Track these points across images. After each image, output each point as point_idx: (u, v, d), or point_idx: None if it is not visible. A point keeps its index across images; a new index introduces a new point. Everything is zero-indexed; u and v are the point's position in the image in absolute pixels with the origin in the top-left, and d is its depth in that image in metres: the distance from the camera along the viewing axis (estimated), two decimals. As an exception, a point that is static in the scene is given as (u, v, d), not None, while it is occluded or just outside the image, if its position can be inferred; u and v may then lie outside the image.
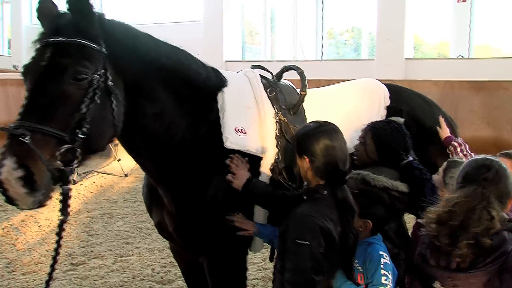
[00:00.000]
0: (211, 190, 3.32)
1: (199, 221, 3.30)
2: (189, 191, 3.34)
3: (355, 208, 3.00)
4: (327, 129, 3.06)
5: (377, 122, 3.79)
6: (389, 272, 3.08)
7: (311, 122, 3.20)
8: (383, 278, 3.03)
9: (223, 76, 3.56)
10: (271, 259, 3.56)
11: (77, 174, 10.44)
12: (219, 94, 3.45)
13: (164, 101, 3.20)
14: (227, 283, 3.50)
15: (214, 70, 3.58)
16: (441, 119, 4.14)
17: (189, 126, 3.31)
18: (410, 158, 3.65)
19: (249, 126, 3.41)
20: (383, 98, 4.09)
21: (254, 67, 3.90)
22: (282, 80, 3.91)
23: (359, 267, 3.12)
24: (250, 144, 3.37)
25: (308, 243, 2.82)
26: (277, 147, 3.47)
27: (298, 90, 3.79)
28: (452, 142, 4.06)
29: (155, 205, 3.60)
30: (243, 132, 3.37)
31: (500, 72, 10.58)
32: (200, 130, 3.35)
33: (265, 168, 3.41)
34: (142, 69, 3.08)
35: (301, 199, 3.06)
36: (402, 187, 3.34)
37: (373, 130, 3.67)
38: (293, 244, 2.86)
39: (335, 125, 3.12)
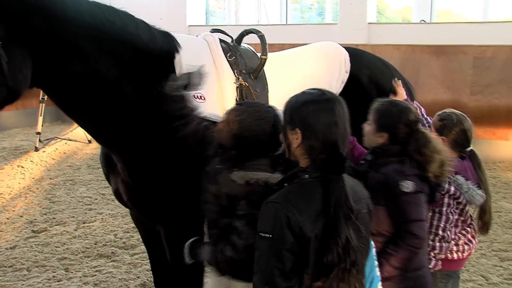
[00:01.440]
0: (165, 157, 3.21)
1: (152, 190, 3.22)
2: (141, 158, 3.23)
3: (351, 207, 2.34)
4: (330, 99, 2.47)
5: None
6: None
7: (312, 89, 2.59)
8: (377, 269, 2.77)
9: (175, 41, 3.40)
10: None
11: (40, 141, 10.26)
12: (177, 60, 3.31)
13: (95, 63, 2.99)
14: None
15: (166, 35, 3.40)
16: (398, 82, 4.11)
17: (136, 90, 3.13)
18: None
19: (208, 92, 3.31)
20: (344, 61, 4.04)
21: (214, 31, 3.79)
22: (242, 44, 3.82)
23: None
24: (209, 110, 3.25)
25: (269, 235, 2.35)
26: None
27: (259, 54, 3.71)
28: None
29: (111, 172, 3.50)
30: (202, 98, 3.27)
31: (460, 37, 10.62)
32: (153, 95, 3.18)
33: None
34: (66, 29, 2.87)
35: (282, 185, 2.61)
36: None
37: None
38: (257, 237, 2.41)
39: (338, 96, 2.56)
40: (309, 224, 2.31)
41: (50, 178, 8.59)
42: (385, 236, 2.98)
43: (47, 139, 10.61)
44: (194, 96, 3.22)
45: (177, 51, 3.34)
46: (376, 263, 2.77)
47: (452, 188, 3.43)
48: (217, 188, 2.81)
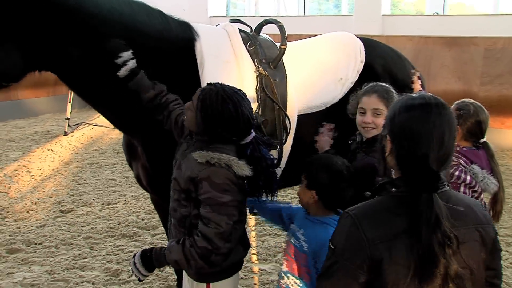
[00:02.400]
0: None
1: (169, 175, 3.19)
2: (157, 143, 3.19)
3: (445, 231, 1.85)
4: (427, 105, 2.02)
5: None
6: None
7: (416, 94, 2.27)
8: None
9: (192, 29, 3.34)
10: None
11: (69, 126, 10.30)
12: (198, 49, 3.26)
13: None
14: None
15: (183, 24, 3.35)
16: (415, 74, 4.04)
17: (150, 76, 3.04)
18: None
19: (229, 81, 3.22)
20: (359, 52, 3.95)
21: (233, 21, 3.73)
22: (261, 34, 3.75)
23: (306, 246, 2.67)
24: None
25: (333, 247, 2.05)
26: (257, 101, 3.34)
27: (278, 44, 3.64)
28: None
29: (133, 158, 3.47)
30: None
31: (472, 29, 10.49)
32: (171, 82, 3.11)
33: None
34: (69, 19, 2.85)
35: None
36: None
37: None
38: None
39: (444, 103, 2.07)
40: (383, 244, 1.91)
41: (78, 161, 8.63)
42: None
43: (75, 124, 10.65)
44: None
45: (195, 39, 3.28)
46: None
47: (468, 178, 3.37)
48: (179, 173, 2.70)
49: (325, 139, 3.38)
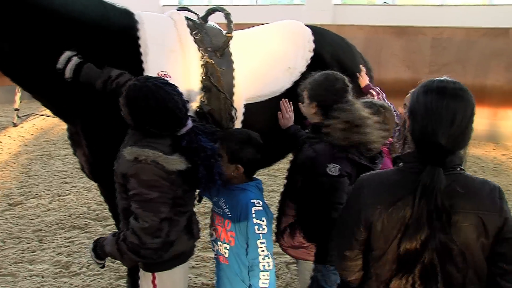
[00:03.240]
0: (117, 130, 2.99)
1: (108, 163, 3.11)
2: (98, 131, 3.12)
3: (438, 206, 1.95)
4: (444, 87, 2.06)
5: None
6: (263, 219, 2.79)
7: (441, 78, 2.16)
8: (255, 227, 2.75)
9: (133, 17, 3.25)
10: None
11: (18, 117, 10.02)
12: (142, 37, 3.17)
13: (31, 37, 2.86)
14: None
15: (124, 12, 3.26)
16: (362, 68, 4.04)
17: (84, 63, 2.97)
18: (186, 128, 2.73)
19: (174, 70, 3.17)
20: (308, 41, 3.92)
21: (180, 9, 3.64)
22: (209, 23, 3.67)
23: (228, 212, 2.89)
24: None
25: (340, 205, 2.50)
26: (202, 90, 3.27)
27: (225, 32, 3.56)
28: (371, 90, 4.00)
29: (77, 147, 3.38)
30: (167, 76, 3.12)
31: (420, 18, 10.62)
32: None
33: (190, 111, 3.20)
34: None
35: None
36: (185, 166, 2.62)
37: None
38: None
39: (462, 86, 2.09)
40: (380, 209, 2.06)
41: (27, 153, 8.38)
42: None
43: (25, 115, 10.35)
44: (159, 74, 3.09)
45: (138, 28, 3.19)
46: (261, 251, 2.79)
47: None
48: (117, 166, 2.66)
49: (287, 117, 3.36)
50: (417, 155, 2.08)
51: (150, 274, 2.80)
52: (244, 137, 2.91)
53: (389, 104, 3.84)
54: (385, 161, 3.16)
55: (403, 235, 2.01)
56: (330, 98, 2.93)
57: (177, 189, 2.60)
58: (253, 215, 2.78)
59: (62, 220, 5.79)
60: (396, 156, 2.24)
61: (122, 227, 2.75)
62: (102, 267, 2.84)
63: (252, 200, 2.82)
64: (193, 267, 4.81)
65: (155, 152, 2.48)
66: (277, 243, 3.26)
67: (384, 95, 3.98)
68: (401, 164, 2.16)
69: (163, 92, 2.53)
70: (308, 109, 3.03)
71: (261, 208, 2.82)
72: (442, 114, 2.00)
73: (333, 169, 2.82)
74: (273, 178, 6.75)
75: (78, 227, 5.61)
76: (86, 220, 5.79)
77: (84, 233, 5.48)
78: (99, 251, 2.69)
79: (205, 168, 2.64)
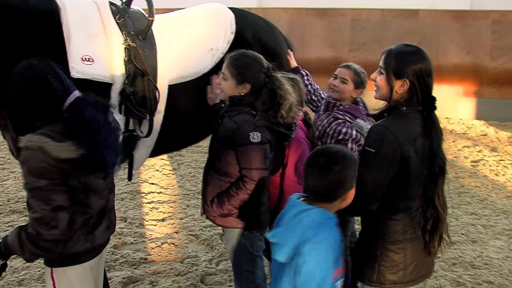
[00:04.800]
0: None
1: None
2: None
3: (442, 133, 2.60)
4: (428, 57, 2.58)
5: None
6: None
7: (409, 45, 2.63)
8: None
9: (55, 3, 3.12)
10: None
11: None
12: (64, 22, 3.07)
13: None
14: None
15: None
16: (290, 52, 4.12)
17: (14, 53, 2.85)
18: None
19: (97, 54, 3.10)
20: (229, 23, 3.88)
21: (104, -6, 3.55)
22: (132, 7, 3.59)
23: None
24: (97, 72, 3.07)
25: (373, 150, 2.50)
26: (126, 72, 3.20)
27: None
28: (300, 71, 4.07)
29: (4, 131, 3.27)
30: (91, 60, 3.06)
31: (339, 1, 10.75)
32: (32, 54, 2.93)
33: (115, 93, 3.16)
34: None
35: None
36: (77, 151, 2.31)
37: None
38: (363, 153, 2.61)
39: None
40: (409, 145, 2.47)
41: (-36, 141, 8.03)
42: (231, 177, 3.01)
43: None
44: (82, 58, 3.02)
45: (59, 12, 3.09)
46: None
47: (354, 132, 3.49)
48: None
49: (216, 92, 3.35)
50: (413, 102, 2.55)
51: (49, 269, 2.53)
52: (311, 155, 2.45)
53: (316, 86, 4.03)
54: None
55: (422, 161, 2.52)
56: (262, 78, 2.99)
57: (72, 179, 2.33)
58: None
59: (1, 205, 5.63)
60: (399, 103, 2.58)
61: None
62: (1, 268, 2.51)
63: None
64: (131, 243, 4.79)
65: (41, 138, 2.25)
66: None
67: (310, 77, 4.05)
68: (404, 108, 2.56)
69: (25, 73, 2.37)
70: (238, 89, 3.02)
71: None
72: (433, 74, 2.59)
73: (255, 136, 2.89)
74: (207, 155, 6.70)
75: (17, 211, 5.49)
76: (25, 204, 5.52)
77: (23, 216, 5.35)
78: (2, 247, 2.40)
79: (90, 144, 2.31)
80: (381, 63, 2.68)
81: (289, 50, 4.12)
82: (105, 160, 2.37)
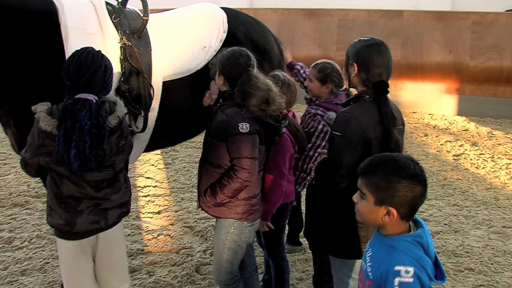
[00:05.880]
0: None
1: None
2: (26, 112, 2.92)
3: (395, 116, 2.71)
4: (380, 44, 2.74)
5: None
6: None
7: (366, 37, 2.82)
8: None
9: (51, 3, 3.11)
10: None
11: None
12: (62, 22, 3.05)
13: None
14: None
15: None
16: (287, 49, 4.20)
17: (13, 53, 2.90)
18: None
19: None
20: (222, 22, 3.88)
21: (101, -6, 3.52)
22: (128, 7, 3.56)
23: (370, 271, 2.08)
24: None
25: (339, 133, 2.65)
26: (121, 70, 3.19)
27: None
28: (295, 66, 4.09)
29: (6, 127, 3.25)
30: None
31: (327, 2, 10.77)
32: (35, 56, 2.96)
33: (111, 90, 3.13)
34: None
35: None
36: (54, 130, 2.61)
37: None
38: (330, 136, 2.77)
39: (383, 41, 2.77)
40: (370, 129, 2.60)
41: (-34, 138, 7.96)
42: (224, 168, 2.99)
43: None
44: None
45: (57, 13, 3.06)
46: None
47: (320, 127, 3.53)
48: None
49: (213, 98, 3.32)
50: (370, 91, 2.68)
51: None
52: (392, 167, 2.03)
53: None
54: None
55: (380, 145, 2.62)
56: (235, 72, 2.97)
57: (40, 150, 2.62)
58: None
59: (3, 198, 5.58)
60: (361, 93, 2.72)
61: None
62: None
63: (397, 268, 1.92)
64: (129, 234, 4.76)
65: (41, 108, 2.58)
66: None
67: (307, 69, 4.06)
68: (367, 97, 2.68)
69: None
70: (218, 80, 3.07)
71: (410, 279, 1.91)
72: (385, 63, 2.69)
73: (244, 127, 2.89)
74: (200, 150, 6.68)
75: (19, 205, 5.44)
76: (26, 197, 5.61)
77: (24, 209, 5.32)
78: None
79: (63, 137, 2.50)
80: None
81: (287, 45, 4.15)
82: (70, 157, 2.52)
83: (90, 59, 2.59)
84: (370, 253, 2.12)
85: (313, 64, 3.85)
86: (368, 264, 2.09)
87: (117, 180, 2.80)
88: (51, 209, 2.72)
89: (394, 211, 1.98)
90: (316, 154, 3.66)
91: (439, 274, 2.01)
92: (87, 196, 2.70)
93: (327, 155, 2.77)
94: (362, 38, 2.80)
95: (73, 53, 2.61)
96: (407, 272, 1.90)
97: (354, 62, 2.72)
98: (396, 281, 1.90)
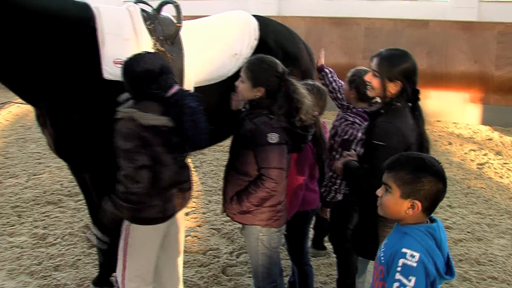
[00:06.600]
0: (84, 113, 3.04)
1: (71, 140, 3.07)
2: (60, 109, 3.08)
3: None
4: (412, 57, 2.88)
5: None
6: (410, 278, 1.95)
7: (395, 49, 2.89)
8: (395, 285, 1.97)
9: (90, 10, 3.17)
10: None
11: (-5, 105, 9.67)
12: (99, 28, 3.09)
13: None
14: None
15: (82, 5, 3.18)
16: (321, 52, 4.19)
17: (46, 50, 2.94)
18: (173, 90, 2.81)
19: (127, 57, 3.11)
20: (253, 30, 3.87)
21: (137, 1, 3.56)
22: (163, 14, 3.59)
23: (382, 256, 2.15)
24: None
25: (383, 143, 2.67)
26: None
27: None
28: (324, 69, 4.05)
29: (43, 127, 3.29)
30: (122, 63, 3.06)
31: (355, 10, 10.68)
32: (72, 59, 3.00)
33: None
34: None
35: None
36: (169, 122, 2.73)
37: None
38: (372, 146, 2.76)
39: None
40: (409, 135, 2.70)
41: (4, 137, 8.11)
42: (250, 176, 2.96)
43: (1, 103, 9.93)
44: (114, 62, 3.03)
45: (95, 19, 3.10)
46: None
47: (359, 134, 3.47)
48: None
49: (238, 99, 3.25)
50: (403, 99, 2.78)
51: (126, 224, 2.89)
52: (419, 164, 2.11)
53: (341, 82, 3.95)
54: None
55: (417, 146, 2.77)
56: (276, 81, 2.93)
57: (149, 146, 2.68)
58: (398, 269, 1.99)
59: (37, 196, 5.67)
60: (393, 100, 2.78)
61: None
62: (102, 245, 2.88)
63: (403, 250, 2.01)
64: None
65: (132, 109, 2.64)
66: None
67: (335, 74, 4.03)
68: (399, 104, 2.76)
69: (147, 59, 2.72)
70: (253, 92, 2.98)
71: (413, 263, 1.97)
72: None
73: (273, 137, 2.85)
74: (228, 153, 6.68)
75: (52, 203, 5.51)
76: (59, 196, 5.69)
77: (58, 208, 5.39)
78: (104, 219, 2.80)
79: (191, 123, 2.71)
80: (374, 67, 2.83)
81: (322, 49, 4.16)
82: (201, 133, 2.79)
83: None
84: (386, 241, 2.22)
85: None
86: (382, 250, 2.18)
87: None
88: (143, 203, 2.75)
89: (419, 203, 2.07)
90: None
91: (449, 273, 2.10)
92: (179, 180, 2.90)
93: (369, 165, 2.74)
94: (392, 53, 2.83)
95: (146, 59, 2.72)
96: (412, 256, 1.98)
97: (398, 80, 2.75)
98: (400, 262, 1.99)
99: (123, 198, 2.67)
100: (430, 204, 2.10)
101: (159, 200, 2.81)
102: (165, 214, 2.88)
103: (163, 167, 2.77)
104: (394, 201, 2.12)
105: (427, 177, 2.07)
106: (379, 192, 2.20)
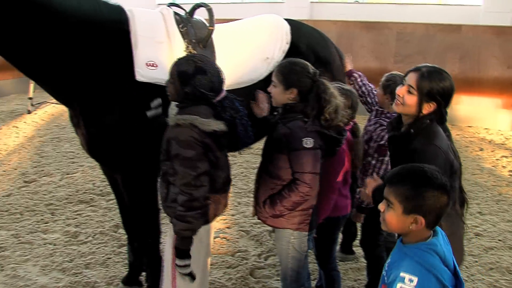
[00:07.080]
0: (117, 115, 3.04)
1: (104, 141, 3.06)
2: (93, 111, 3.08)
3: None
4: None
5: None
6: None
7: (431, 66, 2.68)
8: None
9: (123, 12, 3.17)
10: None
11: (32, 105, 9.85)
12: (132, 30, 3.09)
13: (35, 29, 2.79)
14: (139, 198, 3.31)
15: (115, 8, 3.17)
16: (347, 57, 4.12)
17: (82, 51, 2.95)
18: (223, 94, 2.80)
19: (161, 60, 3.10)
20: (285, 34, 3.82)
21: (170, 5, 3.55)
22: (195, 17, 3.58)
23: (385, 275, 2.11)
24: (160, 76, 3.04)
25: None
26: None
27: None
28: (353, 73, 3.98)
29: (76, 127, 3.31)
30: (154, 65, 3.06)
31: (387, 15, 10.57)
32: (105, 61, 3.01)
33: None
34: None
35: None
36: (225, 126, 2.69)
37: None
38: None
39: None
40: (449, 152, 2.56)
41: (40, 137, 8.24)
42: (283, 180, 2.91)
43: (38, 103, 10.17)
44: (147, 64, 3.03)
45: (128, 22, 3.11)
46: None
47: None
48: (164, 135, 2.72)
49: (261, 106, 3.19)
50: (435, 117, 2.60)
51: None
52: (421, 178, 2.03)
53: (371, 86, 3.90)
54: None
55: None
56: (309, 83, 2.89)
57: (211, 151, 2.66)
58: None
59: (70, 195, 5.74)
60: (425, 117, 2.60)
61: (159, 189, 2.85)
62: (191, 276, 2.73)
63: (402, 274, 1.94)
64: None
65: (191, 116, 2.58)
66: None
67: (365, 78, 3.97)
68: (428, 121, 2.59)
69: (200, 64, 2.69)
70: (285, 95, 2.93)
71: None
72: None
73: (308, 142, 2.79)
74: (258, 156, 6.65)
75: (84, 202, 5.57)
76: (91, 195, 5.75)
77: (89, 206, 5.44)
78: (181, 245, 2.66)
79: (242, 126, 2.74)
80: (411, 82, 2.60)
81: (349, 54, 4.10)
82: (250, 135, 2.81)
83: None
84: (389, 260, 2.15)
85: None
86: (385, 270, 2.11)
87: None
88: (205, 206, 2.72)
89: (422, 219, 1.99)
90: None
91: (459, 285, 2.03)
92: (229, 181, 2.93)
93: None
94: (433, 72, 2.60)
95: (202, 65, 2.71)
96: (411, 280, 1.91)
97: (435, 101, 2.58)
98: (398, 286, 1.92)
99: (187, 207, 2.59)
100: (434, 218, 2.02)
101: (219, 196, 2.85)
102: (215, 216, 2.91)
103: (219, 170, 2.77)
104: (396, 217, 2.04)
105: (429, 191, 1.98)
106: (381, 207, 2.10)
